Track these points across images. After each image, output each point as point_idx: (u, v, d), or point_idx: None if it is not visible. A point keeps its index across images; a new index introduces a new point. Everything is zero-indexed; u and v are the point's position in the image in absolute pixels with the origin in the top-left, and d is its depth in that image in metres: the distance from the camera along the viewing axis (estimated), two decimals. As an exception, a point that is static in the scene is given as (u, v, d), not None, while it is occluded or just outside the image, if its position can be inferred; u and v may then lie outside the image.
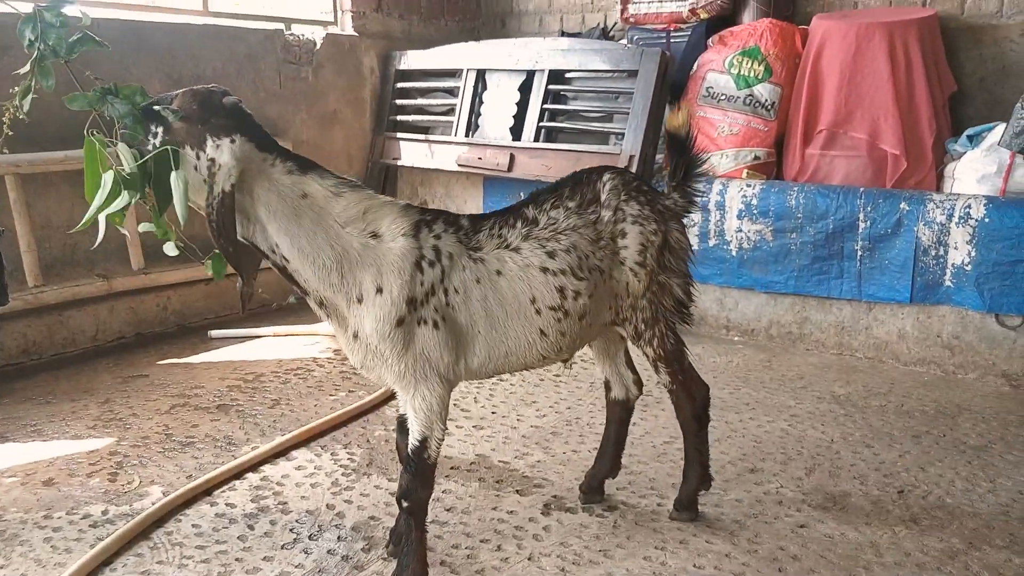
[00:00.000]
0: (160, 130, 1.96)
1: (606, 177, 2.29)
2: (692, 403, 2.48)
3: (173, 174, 2.05)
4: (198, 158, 1.96)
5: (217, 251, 2.21)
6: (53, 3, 2.01)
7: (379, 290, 1.99)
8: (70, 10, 2.02)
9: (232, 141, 1.95)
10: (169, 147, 1.99)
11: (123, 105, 1.98)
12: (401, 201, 2.12)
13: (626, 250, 2.27)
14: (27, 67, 1.97)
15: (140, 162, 1.99)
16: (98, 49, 2.03)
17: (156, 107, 1.97)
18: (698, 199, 2.43)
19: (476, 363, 2.13)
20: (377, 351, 2.02)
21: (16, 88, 1.99)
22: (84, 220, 2.01)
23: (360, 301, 2.00)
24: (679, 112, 2.36)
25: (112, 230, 2.08)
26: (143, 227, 2.11)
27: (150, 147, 1.97)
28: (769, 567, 2.35)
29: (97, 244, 2.10)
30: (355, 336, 2.05)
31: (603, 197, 2.26)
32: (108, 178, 1.98)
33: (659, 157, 4.44)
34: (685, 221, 2.41)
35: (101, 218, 2.04)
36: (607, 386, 2.63)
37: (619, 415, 2.63)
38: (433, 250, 2.05)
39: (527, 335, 2.14)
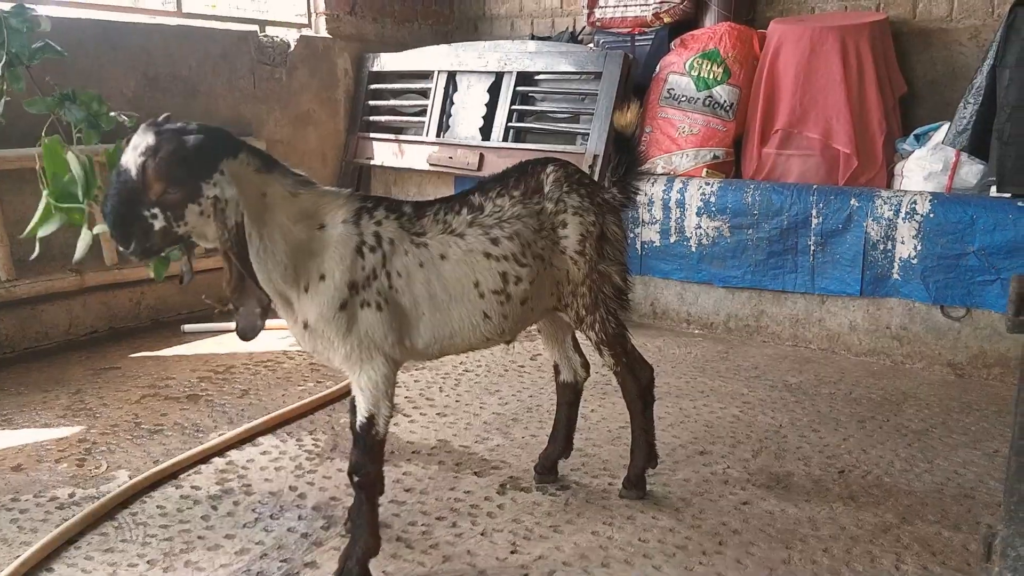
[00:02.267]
0: (157, 211, 1.87)
1: (549, 169, 2.37)
2: (637, 384, 2.59)
3: None
4: (200, 205, 1.89)
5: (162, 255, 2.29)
6: (17, 9, 2.09)
7: (322, 277, 2.05)
8: (38, 14, 2.11)
9: (222, 173, 1.89)
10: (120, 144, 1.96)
11: (79, 111, 2.05)
12: (346, 191, 2.18)
13: (567, 239, 2.36)
14: None
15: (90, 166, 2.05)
16: (58, 56, 2.12)
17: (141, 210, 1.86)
18: (637, 195, 2.54)
19: (422, 344, 2.20)
20: (323, 335, 2.08)
21: None
22: (30, 228, 2.07)
23: (307, 290, 2.06)
24: (627, 111, 2.47)
25: (73, 231, 2.16)
26: (97, 229, 2.17)
27: (156, 234, 1.89)
28: (710, 540, 2.47)
29: (78, 257, 2.15)
30: (305, 325, 2.10)
31: (546, 188, 2.35)
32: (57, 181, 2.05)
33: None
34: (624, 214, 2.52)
35: (84, 230, 2.11)
36: (556, 370, 2.73)
37: (568, 397, 2.74)
38: (374, 236, 2.10)
39: (471, 318, 2.22)
